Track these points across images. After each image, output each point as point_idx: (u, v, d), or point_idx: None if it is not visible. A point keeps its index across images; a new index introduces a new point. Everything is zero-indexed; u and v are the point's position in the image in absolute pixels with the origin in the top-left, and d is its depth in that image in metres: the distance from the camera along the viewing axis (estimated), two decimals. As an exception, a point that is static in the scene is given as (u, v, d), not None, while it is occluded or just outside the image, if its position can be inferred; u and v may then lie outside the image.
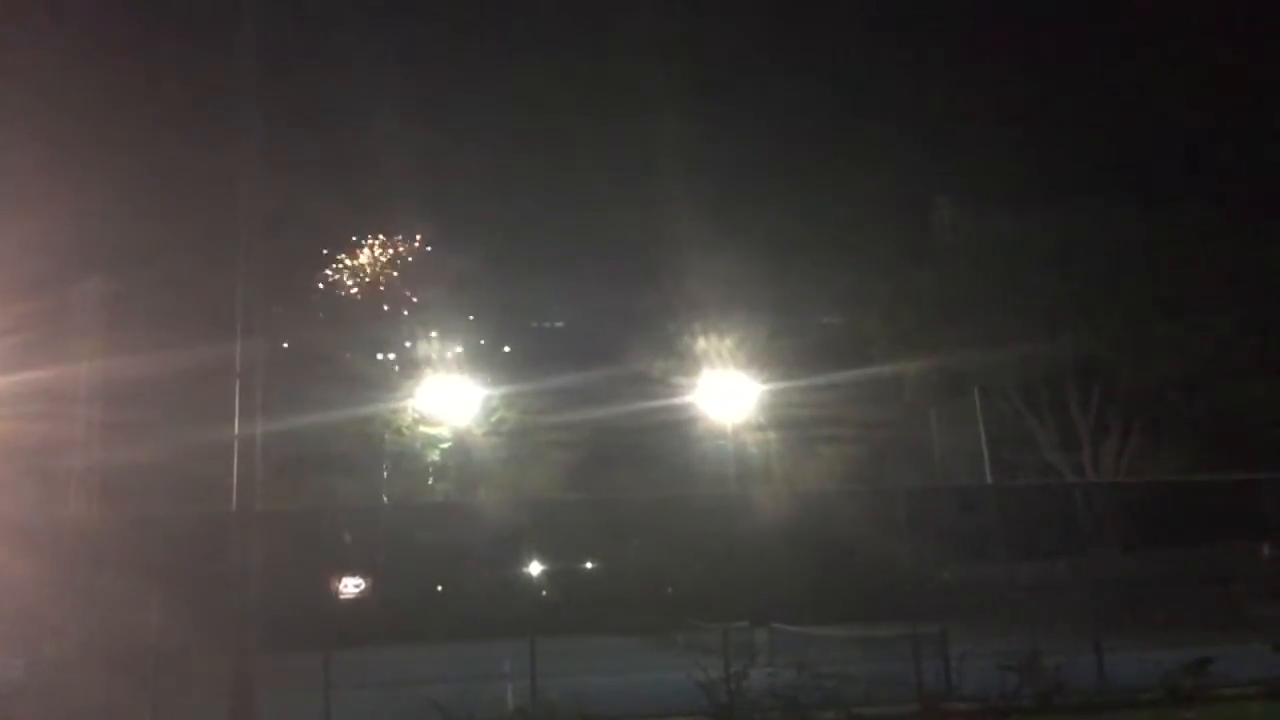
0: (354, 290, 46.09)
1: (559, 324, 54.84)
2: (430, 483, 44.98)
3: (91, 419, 26.15)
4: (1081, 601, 20.00)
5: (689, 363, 43.88)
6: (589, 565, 45.67)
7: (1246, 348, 35.09)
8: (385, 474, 43.63)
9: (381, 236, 46.58)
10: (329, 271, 45.95)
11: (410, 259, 46.94)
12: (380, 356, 45.81)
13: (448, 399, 44.30)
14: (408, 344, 46.07)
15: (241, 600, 13.96)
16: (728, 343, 43.77)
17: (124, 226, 27.16)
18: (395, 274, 46.58)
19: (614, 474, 44.38)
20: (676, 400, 42.97)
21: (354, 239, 45.33)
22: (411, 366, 45.47)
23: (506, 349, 46.66)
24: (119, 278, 27.84)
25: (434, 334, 46.03)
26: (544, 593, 41.74)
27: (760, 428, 43.73)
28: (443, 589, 42.07)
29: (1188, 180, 37.20)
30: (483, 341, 46.69)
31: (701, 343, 44.01)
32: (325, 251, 44.39)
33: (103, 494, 25.59)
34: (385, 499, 42.91)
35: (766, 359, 42.92)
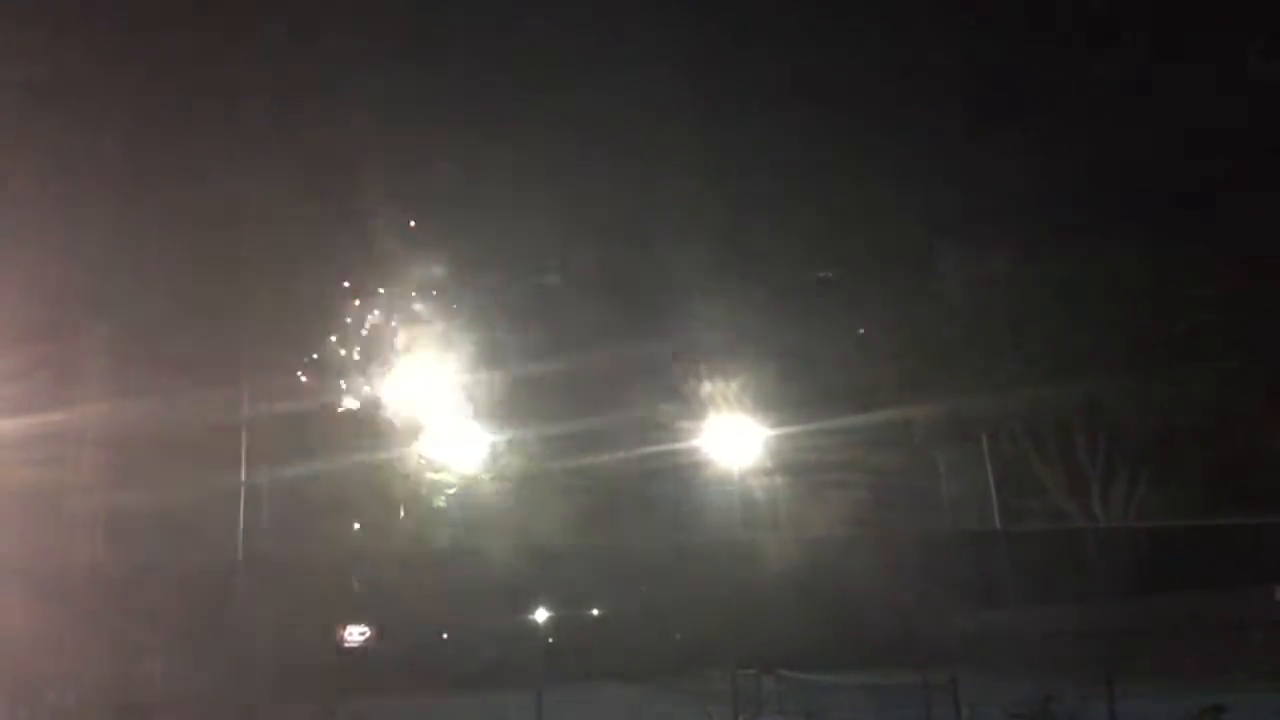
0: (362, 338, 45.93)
1: (566, 369, 54.81)
2: (436, 529, 44.76)
3: (98, 464, 26.12)
4: (1093, 647, 19.83)
5: (695, 407, 43.84)
6: (595, 612, 45.36)
7: (1254, 391, 34.99)
8: (394, 520, 43.47)
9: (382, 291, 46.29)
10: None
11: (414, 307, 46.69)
12: (385, 404, 45.67)
13: (454, 445, 44.27)
14: (412, 392, 45.92)
15: (246, 648, 13.89)
16: (734, 387, 43.76)
17: (132, 271, 27.28)
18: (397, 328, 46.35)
19: (620, 520, 44.20)
20: (683, 445, 42.90)
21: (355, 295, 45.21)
22: (418, 412, 45.36)
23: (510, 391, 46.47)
24: (126, 322, 27.92)
25: (439, 380, 45.92)
26: (550, 640, 41.45)
27: (767, 473, 43.59)
28: (448, 637, 41.77)
29: (1191, 222, 37.21)
30: (486, 378, 46.53)
31: (708, 387, 44.00)
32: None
33: (108, 539, 25.49)
34: (391, 546, 42.71)
35: (773, 403, 42.87)
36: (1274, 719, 15.77)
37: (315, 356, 44.39)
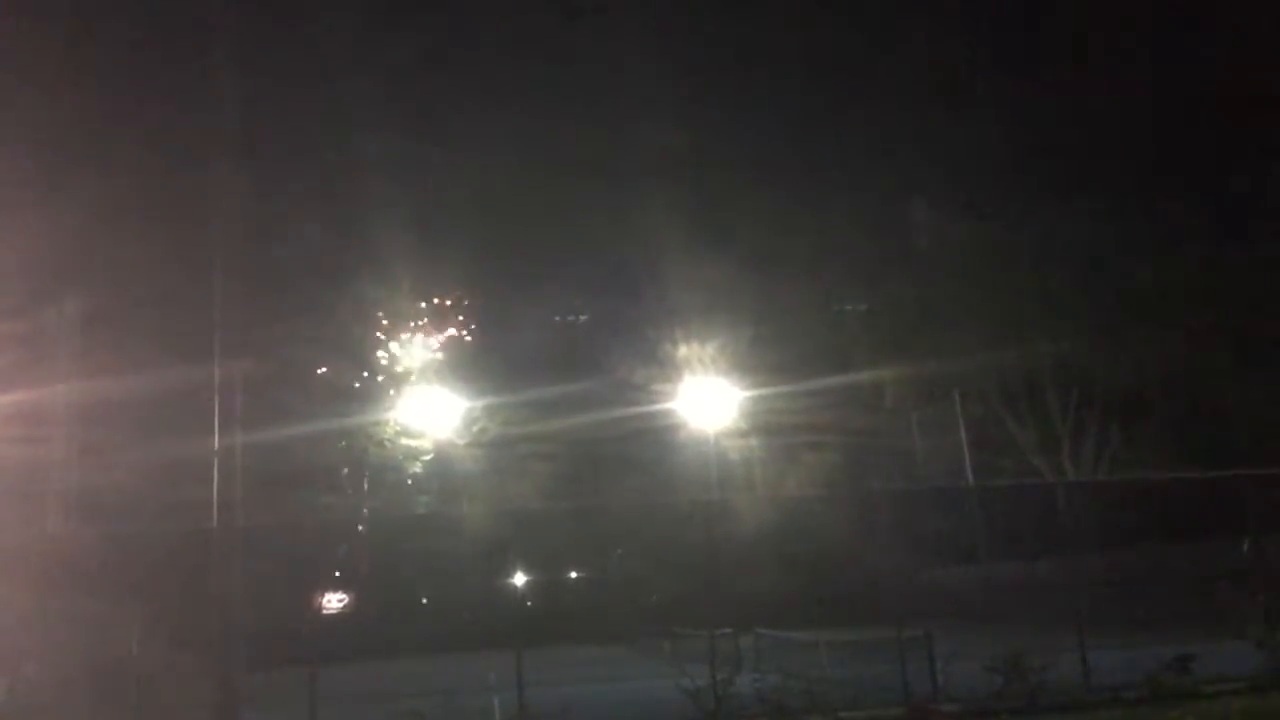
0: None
1: (540, 332, 54.63)
2: (412, 495, 44.75)
3: (71, 440, 25.97)
4: (1065, 601, 20.10)
5: (670, 370, 43.92)
6: (573, 575, 45.61)
7: (1222, 347, 35.35)
8: (367, 487, 43.40)
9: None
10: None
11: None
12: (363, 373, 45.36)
13: (429, 411, 44.16)
14: (388, 355, 45.64)
15: (224, 618, 13.91)
16: (709, 349, 43.84)
17: (101, 245, 27.00)
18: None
19: (596, 482, 44.38)
20: (658, 407, 42.99)
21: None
22: (392, 379, 45.18)
23: (486, 358, 46.34)
24: (96, 297, 27.67)
25: (416, 345, 45.72)
26: (529, 603, 41.68)
27: (742, 434, 43.79)
28: (427, 601, 41.93)
29: (1160, 181, 37.41)
30: (467, 339, 46.30)
31: (683, 349, 44.06)
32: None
33: (83, 515, 25.41)
34: (367, 513, 42.72)
35: (748, 365, 42.99)
36: (1239, 669, 16.08)
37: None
